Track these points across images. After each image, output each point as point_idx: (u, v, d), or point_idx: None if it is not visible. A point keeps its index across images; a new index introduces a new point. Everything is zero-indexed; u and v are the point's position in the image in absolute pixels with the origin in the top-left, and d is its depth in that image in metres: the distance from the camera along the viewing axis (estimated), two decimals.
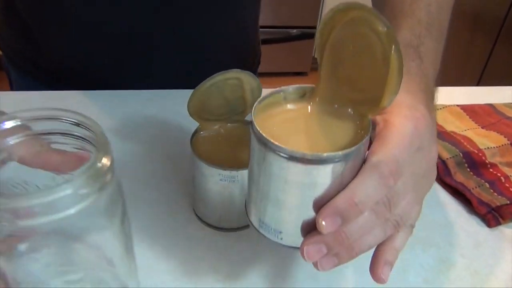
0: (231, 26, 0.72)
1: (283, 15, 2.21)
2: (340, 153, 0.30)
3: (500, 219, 0.50)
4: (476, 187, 0.53)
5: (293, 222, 0.33)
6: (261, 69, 0.83)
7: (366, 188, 0.31)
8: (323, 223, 0.31)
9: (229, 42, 0.73)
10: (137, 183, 0.52)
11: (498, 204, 0.50)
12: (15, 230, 0.27)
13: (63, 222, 0.27)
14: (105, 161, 0.29)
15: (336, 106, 0.35)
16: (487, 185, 0.53)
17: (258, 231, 0.35)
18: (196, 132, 0.46)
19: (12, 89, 0.76)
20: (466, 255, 0.47)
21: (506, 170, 0.55)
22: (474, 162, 0.56)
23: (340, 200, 0.31)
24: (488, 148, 0.57)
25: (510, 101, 0.70)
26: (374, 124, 0.34)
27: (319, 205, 0.31)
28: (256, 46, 0.82)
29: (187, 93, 0.60)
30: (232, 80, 0.44)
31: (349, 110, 0.34)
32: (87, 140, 0.32)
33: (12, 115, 0.32)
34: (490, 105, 0.67)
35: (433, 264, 0.46)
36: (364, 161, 0.32)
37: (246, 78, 0.44)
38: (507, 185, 0.53)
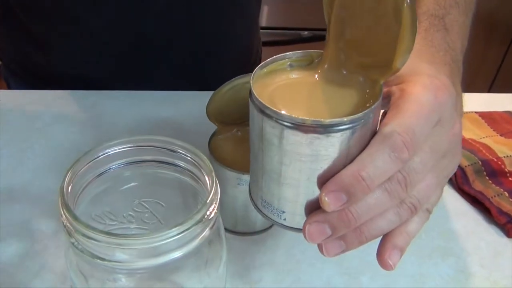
0: (238, 26, 0.72)
1: (294, 16, 2.21)
2: (345, 119, 0.26)
3: None
4: (495, 196, 0.52)
5: (296, 200, 0.30)
6: None
7: (375, 160, 0.27)
8: (326, 199, 0.27)
9: (234, 41, 0.73)
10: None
11: None
12: (133, 269, 0.28)
13: (164, 265, 0.27)
14: (212, 210, 0.28)
15: (345, 72, 0.32)
16: (507, 194, 0.52)
17: (261, 211, 0.33)
18: (214, 135, 0.46)
19: None
20: (485, 265, 0.46)
21: None
22: (493, 171, 0.55)
23: (345, 174, 0.28)
24: (507, 156, 0.56)
25: None
26: (389, 95, 0.31)
27: (324, 180, 0.28)
28: (258, 45, 0.82)
29: (200, 94, 0.60)
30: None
31: (360, 77, 0.31)
32: (198, 181, 0.32)
33: (122, 140, 0.31)
34: (509, 112, 0.66)
35: (452, 274, 0.45)
36: (375, 133, 0.29)
37: None
38: None
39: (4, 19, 0.67)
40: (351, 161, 0.28)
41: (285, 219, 0.32)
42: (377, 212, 0.29)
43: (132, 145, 0.32)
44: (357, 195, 0.28)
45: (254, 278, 0.43)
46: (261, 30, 0.85)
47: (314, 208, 0.30)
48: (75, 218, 0.27)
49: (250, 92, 0.30)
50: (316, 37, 2.32)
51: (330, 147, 0.27)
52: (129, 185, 0.33)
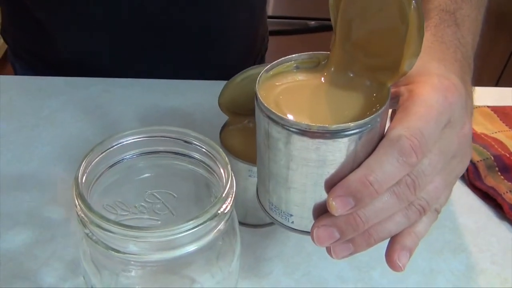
0: (244, 13, 0.71)
1: (301, 6, 2.19)
2: (351, 124, 0.26)
3: None
4: (507, 192, 0.51)
5: (304, 204, 0.30)
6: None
7: (383, 165, 0.27)
8: (334, 204, 0.27)
9: (240, 29, 0.72)
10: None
11: None
12: (146, 262, 0.28)
13: (178, 258, 0.27)
14: (228, 203, 0.28)
15: (352, 75, 0.31)
16: None
17: (269, 214, 0.33)
18: (225, 125, 0.45)
19: None
20: (497, 262, 0.46)
21: None
22: (506, 166, 0.54)
23: (353, 179, 0.27)
24: None
25: None
26: (397, 96, 0.30)
27: (331, 184, 0.28)
28: (265, 34, 0.81)
29: (209, 83, 0.60)
30: None
31: (367, 80, 0.31)
32: (213, 173, 0.32)
33: (136, 131, 0.31)
34: None
35: (463, 270, 0.45)
36: (382, 137, 0.28)
37: None
38: None
39: (9, 4, 0.67)
40: (358, 165, 0.28)
41: (292, 222, 0.32)
42: (385, 215, 0.29)
43: (146, 135, 0.31)
44: (364, 200, 0.27)
45: (265, 271, 0.43)
46: (268, 19, 0.84)
47: (321, 211, 0.30)
48: (90, 209, 0.26)
49: (256, 97, 0.29)
50: (323, 27, 2.31)
51: (337, 152, 0.27)
52: (142, 176, 0.33)
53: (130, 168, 0.32)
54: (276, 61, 0.31)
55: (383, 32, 0.29)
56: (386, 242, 0.46)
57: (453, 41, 0.36)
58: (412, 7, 0.27)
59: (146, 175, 0.33)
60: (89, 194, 0.29)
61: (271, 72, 0.31)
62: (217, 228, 0.28)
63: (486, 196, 0.52)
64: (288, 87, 0.31)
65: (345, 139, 0.27)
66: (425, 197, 0.30)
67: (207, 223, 0.26)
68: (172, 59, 0.69)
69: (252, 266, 0.43)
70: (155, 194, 0.35)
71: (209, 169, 0.32)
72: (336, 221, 0.28)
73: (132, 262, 0.28)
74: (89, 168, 0.29)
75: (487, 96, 0.68)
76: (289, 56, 0.32)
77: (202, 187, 0.34)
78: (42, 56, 0.69)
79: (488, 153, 0.55)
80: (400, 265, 0.31)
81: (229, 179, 0.29)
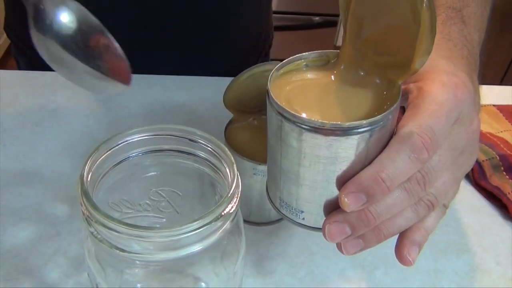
0: (250, 8, 0.71)
1: (306, 1, 2.18)
2: (364, 122, 0.27)
3: None
4: None
5: (315, 201, 0.30)
6: (280, 56, 0.81)
7: (395, 162, 0.27)
8: (346, 200, 0.28)
9: (245, 24, 0.72)
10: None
11: None
12: (151, 261, 0.28)
13: (183, 258, 0.27)
14: (234, 203, 0.28)
15: (362, 73, 0.31)
16: None
17: (279, 211, 0.33)
18: (230, 123, 0.45)
19: None
20: (501, 262, 0.45)
21: None
22: (511, 166, 0.54)
23: (365, 176, 0.28)
24: None
25: None
26: (407, 93, 0.31)
27: (343, 181, 0.29)
28: (270, 30, 0.81)
29: (213, 80, 0.59)
30: (269, 72, 0.42)
31: (377, 78, 0.31)
32: (218, 171, 0.32)
33: (141, 129, 0.31)
34: None
35: (467, 271, 0.44)
36: (393, 134, 0.29)
37: None
38: None
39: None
40: (370, 162, 0.28)
41: (303, 219, 0.32)
42: (396, 211, 0.29)
43: (151, 133, 0.31)
44: (376, 196, 0.28)
45: (268, 269, 0.43)
46: (272, 15, 0.84)
47: (333, 208, 0.30)
48: (95, 207, 0.26)
49: (268, 94, 0.29)
50: (328, 23, 2.30)
51: (349, 149, 0.28)
52: (147, 174, 0.33)
53: (135, 166, 0.32)
54: (286, 60, 0.31)
55: (394, 30, 0.30)
56: (389, 241, 0.47)
57: (460, 38, 0.36)
58: (424, 5, 0.27)
59: (151, 173, 0.33)
60: (94, 192, 0.29)
61: (281, 71, 0.31)
62: (222, 228, 0.28)
63: (491, 196, 0.52)
64: (299, 85, 0.31)
65: (358, 136, 0.27)
66: (434, 192, 0.30)
67: (213, 223, 0.26)
68: (178, 55, 0.69)
69: (256, 264, 0.43)
70: (160, 192, 0.35)
71: (214, 167, 0.32)
72: (348, 217, 0.29)
73: (137, 261, 0.28)
74: (95, 166, 0.29)
75: (492, 94, 0.68)
76: (299, 55, 0.32)
77: (207, 185, 0.34)
78: None
79: (494, 152, 0.55)
80: (410, 259, 0.31)
81: (234, 178, 0.28)
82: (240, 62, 0.69)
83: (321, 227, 0.30)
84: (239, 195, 0.28)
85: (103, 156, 0.30)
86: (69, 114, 0.58)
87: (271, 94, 0.29)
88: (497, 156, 0.54)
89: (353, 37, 0.31)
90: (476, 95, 0.33)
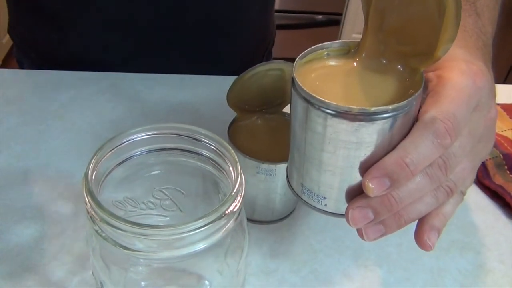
0: (253, 6, 0.71)
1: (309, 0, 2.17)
2: (390, 107, 0.27)
3: None
4: None
5: (337, 187, 0.31)
6: (283, 55, 0.81)
7: (419, 147, 0.28)
8: (370, 185, 0.28)
9: (251, 21, 0.72)
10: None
11: None
12: (155, 259, 0.28)
13: (187, 256, 0.27)
14: (237, 202, 0.28)
15: (384, 61, 0.32)
16: None
17: (301, 198, 0.33)
18: (233, 122, 0.45)
19: None
20: (504, 261, 0.45)
21: None
22: None
23: (390, 161, 0.28)
24: None
25: None
26: (426, 82, 0.31)
27: (366, 167, 0.29)
28: (273, 28, 0.81)
29: (217, 79, 0.59)
30: (273, 71, 0.43)
31: (399, 65, 0.31)
32: (221, 170, 0.32)
33: (145, 127, 0.31)
34: None
35: (470, 269, 0.44)
36: (415, 121, 0.29)
37: (289, 69, 0.42)
38: None
39: (21, 2, 0.67)
40: (393, 147, 0.29)
41: (325, 205, 0.32)
42: (417, 196, 0.30)
43: (155, 132, 0.31)
44: (400, 181, 0.28)
45: (271, 267, 0.43)
46: (275, 13, 0.84)
47: (355, 194, 0.30)
48: (100, 206, 0.26)
49: (293, 81, 0.30)
50: (331, 21, 2.29)
51: (374, 134, 0.28)
52: (151, 173, 0.33)
53: (139, 165, 0.32)
54: (308, 49, 0.32)
55: (417, 19, 0.30)
56: (392, 241, 0.47)
57: (474, 30, 0.36)
58: None
59: (155, 171, 0.33)
60: (99, 190, 0.29)
61: (304, 59, 0.32)
62: (226, 227, 0.28)
63: (495, 194, 0.52)
64: (322, 73, 0.32)
65: (383, 121, 0.28)
66: (453, 178, 0.31)
67: (216, 221, 0.26)
68: (180, 54, 0.69)
69: (259, 263, 0.43)
70: (163, 190, 0.35)
71: (218, 166, 0.32)
72: (371, 202, 0.29)
73: (141, 259, 0.28)
74: (99, 164, 0.29)
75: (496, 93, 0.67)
76: (321, 44, 0.33)
77: (210, 184, 0.34)
78: (50, 54, 0.69)
79: (498, 151, 0.55)
80: (430, 244, 0.32)
81: (238, 177, 0.29)
82: (247, 60, 0.69)
83: (342, 213, 0.31)
84: (242, 194, 0.28)
85: (108, 155, 0.30)
86: (73, 112, 0.58)
87: (297, 81, 0.29)
88: (501, 155, 0.54)
89: (375, 28, 0.32)
90: (492, 84, 0.34)
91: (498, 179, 0.53)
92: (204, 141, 0.31)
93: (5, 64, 1.97)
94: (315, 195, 0.32)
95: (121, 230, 0.26)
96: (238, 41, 0.72)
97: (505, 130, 0.60)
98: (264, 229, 0.46)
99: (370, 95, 0.30)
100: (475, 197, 0.52)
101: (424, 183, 0.29)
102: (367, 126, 0.28)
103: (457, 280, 0.43)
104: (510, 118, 0.62)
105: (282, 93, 0.45)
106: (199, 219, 0.26)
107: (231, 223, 0.28)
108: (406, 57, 0.31)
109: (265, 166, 0.41)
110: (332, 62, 0.33)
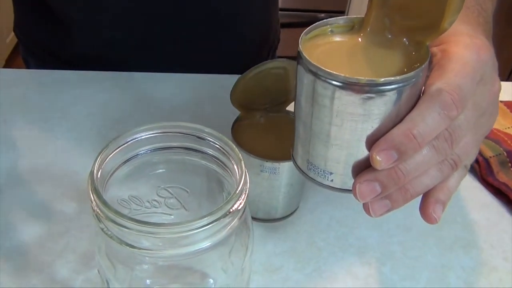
0: (256, 4, 0.71)
1: None
2: (398, 78, 0.27)
3: None
4: None
5: (344, 161, 0.31)
6: (287, 53, 0.82)
7: (426, 119, 0.28)
8: (378, 157, 0.28)
9: (253, 17, 0.72)
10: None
11: None
12: (160, 257, 0.28)
13: (192, 253, 0.28)
14: (242, 200, 0.28)
15: (389, 36, 0.32)
16: None
17: (307, 175, 0.33)
18: (237, 120, 0.45)
19: None
20: (508, 259, 0.45)
21: None
22: None
23: (397, 133, 0.28)
24: None
25: None
26: (431, 56, 0.31)
27: (373, 140, 0.29)
28: (276, 26, 0.81)
29: (220, 77, 0.59)
30: (277, 69, 0.43)
31: (404, 39, 0.31)
32: (226, 168, 0.32)
33: (150, 126, 0.32)
34: None
35: (474, 267, 0.44)
36: (422, 94, 0.29)
37: (292, 68, 0.42)
38: None
39: (27, 1, 0.67)
40: (400, 120, 0.29)
41: (332, 181, 0.32)
42: (424, 168, 0.30)
43: (160, 131, 0.31)
44: (408, 153, 0.28)
45: (275, 265, 0.43)
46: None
47: (361, 168, 0.31)
48: (105, 204, 0.26)
49: (300, 55, 0.30)
50: None
51: (382, 106, 0.28)
52: (155, 171, 0.33)
53: (144, 164, 0.32)
54: (313, 25, 0.32)
55: None
56: (396, 239, 0.47)
57: (475, 6, 0.37)
58: None
59: (160, 170, 0.34)
60: (104, 189, 0.30)
61: (309, 35, 0.32)
62: (231, 225, 0.28)
63: (498, 192, 0.52)
64: (327, 48, 0.32)
65: (391, 93, 0.28)
66: (457, 152, 0.31)
67: (221, 219, 0.27)
68: (184, 52, 0.69)
69: (263, 261, 0.43)
70: (168, 189, 0.35)
71: (222, 165, 0.32)
72: (378, 176, 0.29)
73: (146, 258, 0.28)
74: (104, 163, 0.29)
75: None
76: (325, 20, 0.33)
77: (214, 182, 0.34)
78: (55, 51, 0.70)
79: (501, 148, 0.55)
80: (436, 217, 0.32)
81: (242, 175, 0.29)
82: (251, 59, 0.69)
83: (349, 188, 0.31)
84: (247, 192, 0.29)
85: (113, 153, 0.30)
86: (77, 112, 0.58)
87: (304, 54, 0.29)
88: (505, 153, 0.54)
89: (380, 3, 0.32)
90: (495, 59, 0.34)
91: (502, 177, 0.53)
92: (208, 140, 0.32)
93: (9, 64, 1.98)
94: (322, 171, 0.32)
95: (127, 228, 0.26)
96: (241, 38, 0.71)
97: (509, 127, 0.60)
98: (268, 227, 0.46)
99: (376, 68, 0.30)
100: (479, 194, 0.52)
101: (431, 156, 0.29)
102: (375, 97, 0.28)
103: (460, 278, 0.43)
104: None
105: (286, 92, 0.45)
106: (204, 217, 0.26)
107: (235, 221, 0.28)
108: (411, 31, 0.31)
109: (268, 164, 0.42)
110: (337, 38, 0.33)
